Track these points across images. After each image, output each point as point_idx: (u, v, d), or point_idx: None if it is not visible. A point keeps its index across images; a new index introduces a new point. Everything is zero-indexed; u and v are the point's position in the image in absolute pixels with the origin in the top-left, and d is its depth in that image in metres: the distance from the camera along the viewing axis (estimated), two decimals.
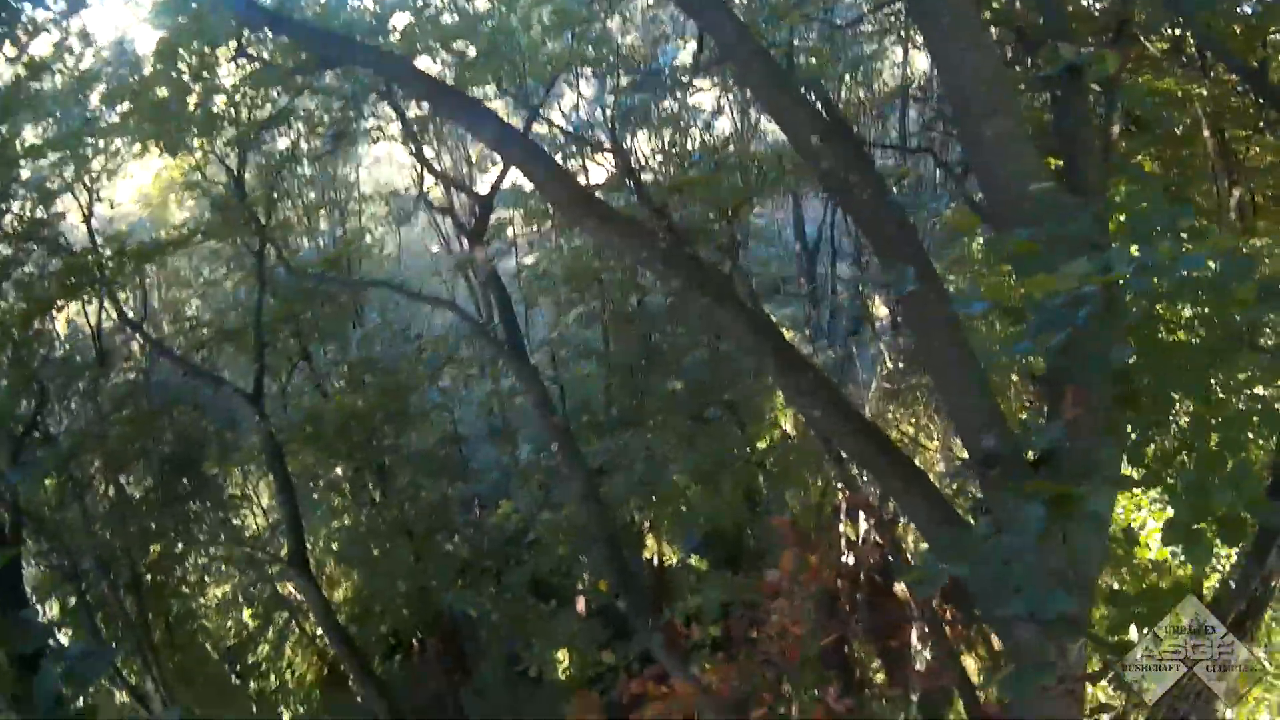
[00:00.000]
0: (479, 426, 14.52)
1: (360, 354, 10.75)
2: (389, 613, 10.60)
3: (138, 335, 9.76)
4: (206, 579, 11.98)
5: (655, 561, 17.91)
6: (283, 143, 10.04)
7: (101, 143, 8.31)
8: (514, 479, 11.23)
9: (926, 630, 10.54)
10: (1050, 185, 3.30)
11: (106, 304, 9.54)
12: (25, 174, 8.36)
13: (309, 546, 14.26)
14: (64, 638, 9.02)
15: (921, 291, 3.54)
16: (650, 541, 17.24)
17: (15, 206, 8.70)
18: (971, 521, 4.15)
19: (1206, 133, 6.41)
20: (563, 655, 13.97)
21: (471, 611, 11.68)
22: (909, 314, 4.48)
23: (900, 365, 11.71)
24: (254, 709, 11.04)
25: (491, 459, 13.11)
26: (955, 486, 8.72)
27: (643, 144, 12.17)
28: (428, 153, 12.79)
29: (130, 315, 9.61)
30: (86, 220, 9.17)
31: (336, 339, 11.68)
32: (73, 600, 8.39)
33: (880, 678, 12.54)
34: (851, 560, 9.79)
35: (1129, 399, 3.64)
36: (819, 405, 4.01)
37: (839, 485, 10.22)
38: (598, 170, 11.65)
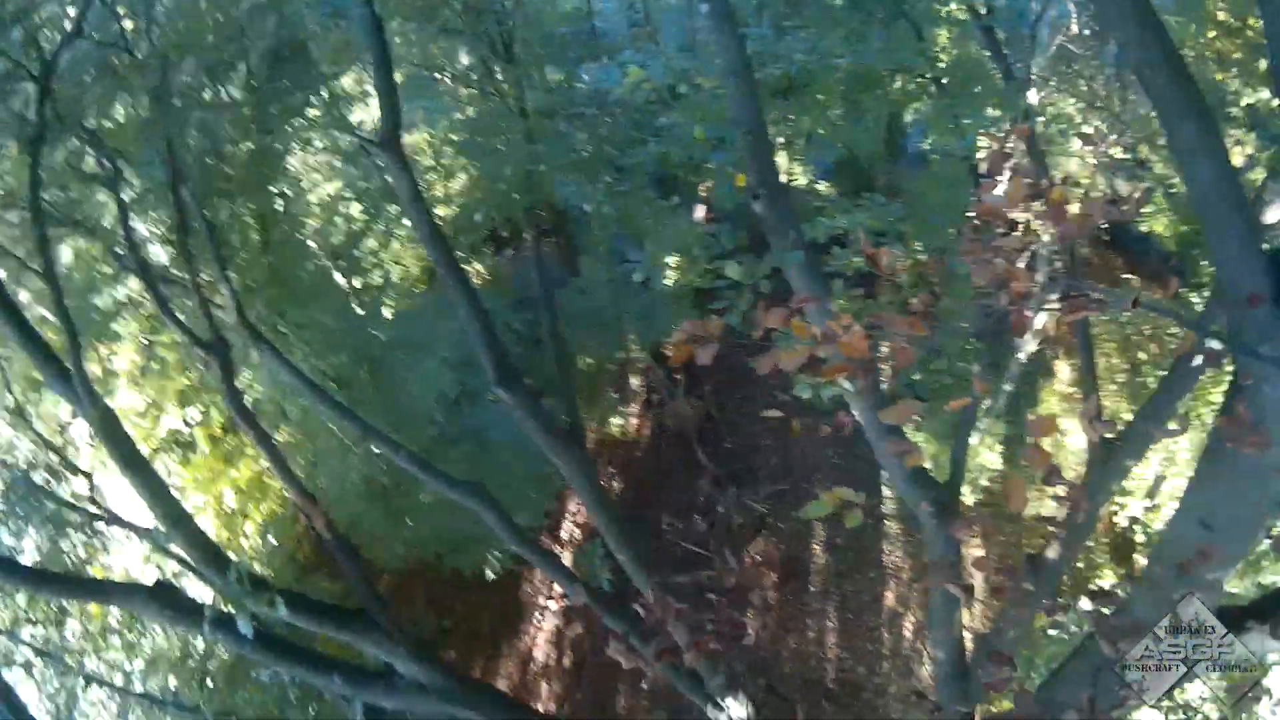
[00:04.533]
0: (619, 21, 13.64)
1: None
2: (496, 202, 10.10)
3: None
4: (316, 175, 11.52)
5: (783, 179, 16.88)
6: None
7: None
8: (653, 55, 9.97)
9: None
10: None
11: None
12: None
13: (430, 139, 13.80)
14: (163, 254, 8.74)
15: None
16: (781, 157, 16.02)
17: None
18: None
19: None
20: (674, 264, 13.79)
21: (586, 206, 11.12)
22: None
23: None
24: (352, 305, 11.00)
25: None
26: None
27: None
28: None
29: None
30: None
31: None
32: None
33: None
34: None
35: None
36: None
37: (1022, 121, 8.30)
38: None
